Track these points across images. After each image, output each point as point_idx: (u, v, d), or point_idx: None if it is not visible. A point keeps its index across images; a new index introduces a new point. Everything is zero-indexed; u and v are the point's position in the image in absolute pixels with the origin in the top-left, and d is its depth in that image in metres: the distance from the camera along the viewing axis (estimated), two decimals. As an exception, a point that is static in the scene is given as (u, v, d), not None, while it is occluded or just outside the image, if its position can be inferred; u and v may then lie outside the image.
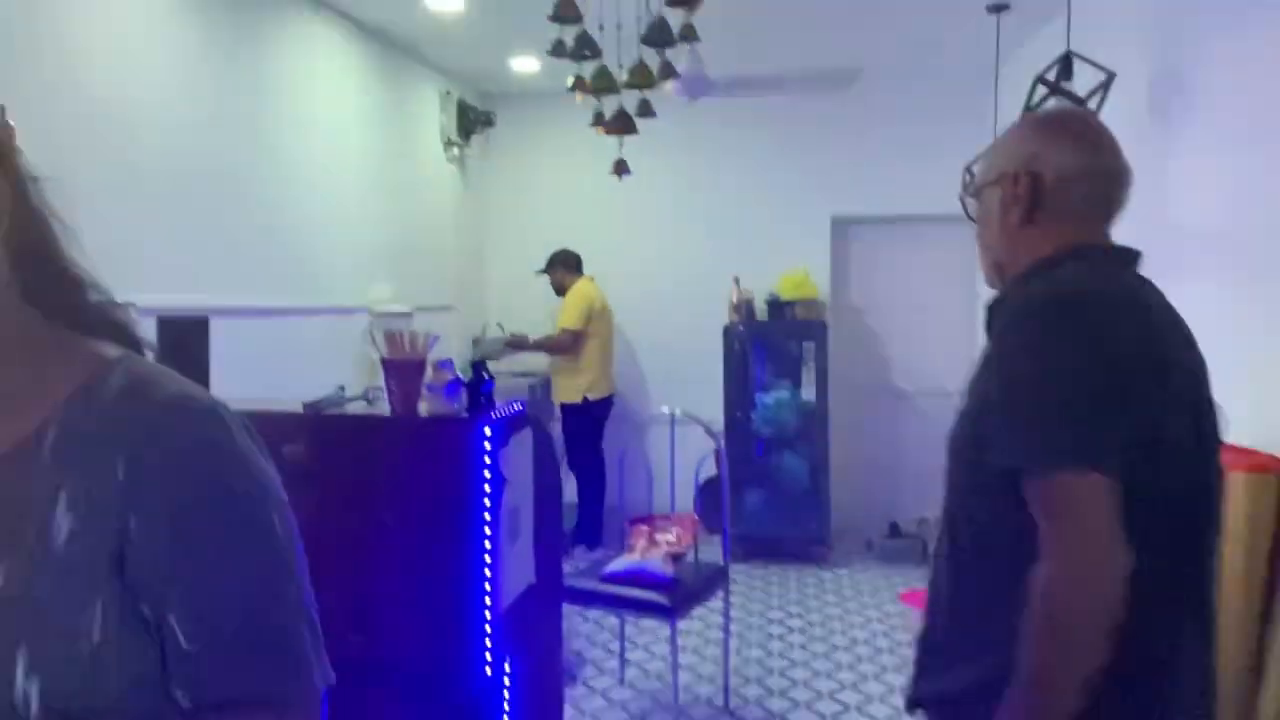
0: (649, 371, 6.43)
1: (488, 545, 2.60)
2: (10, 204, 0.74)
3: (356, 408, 2.82)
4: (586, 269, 5.95)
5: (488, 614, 2.62)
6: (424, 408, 2.67)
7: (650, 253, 6.34)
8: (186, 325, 2.92)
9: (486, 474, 2.60)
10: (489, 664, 2.64)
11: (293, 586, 0.80)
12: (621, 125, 3.90)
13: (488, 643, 2.64)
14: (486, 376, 2.75)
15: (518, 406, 2.83)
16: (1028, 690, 1.23)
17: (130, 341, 0.86)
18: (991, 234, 1.51)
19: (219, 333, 3.33)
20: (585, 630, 4.74)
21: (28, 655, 0.71)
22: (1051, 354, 1.24)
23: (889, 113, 6.07)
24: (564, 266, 5.89)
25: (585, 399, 5.77)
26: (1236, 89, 3.06)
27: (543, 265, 5.98)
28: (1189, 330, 1.37)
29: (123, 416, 0.77)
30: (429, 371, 2.71)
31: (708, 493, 4.67)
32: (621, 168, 4.34)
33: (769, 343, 6.15)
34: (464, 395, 2.70)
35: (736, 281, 5.97)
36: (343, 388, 2.85)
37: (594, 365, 5.79)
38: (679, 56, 3.60)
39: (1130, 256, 1.42)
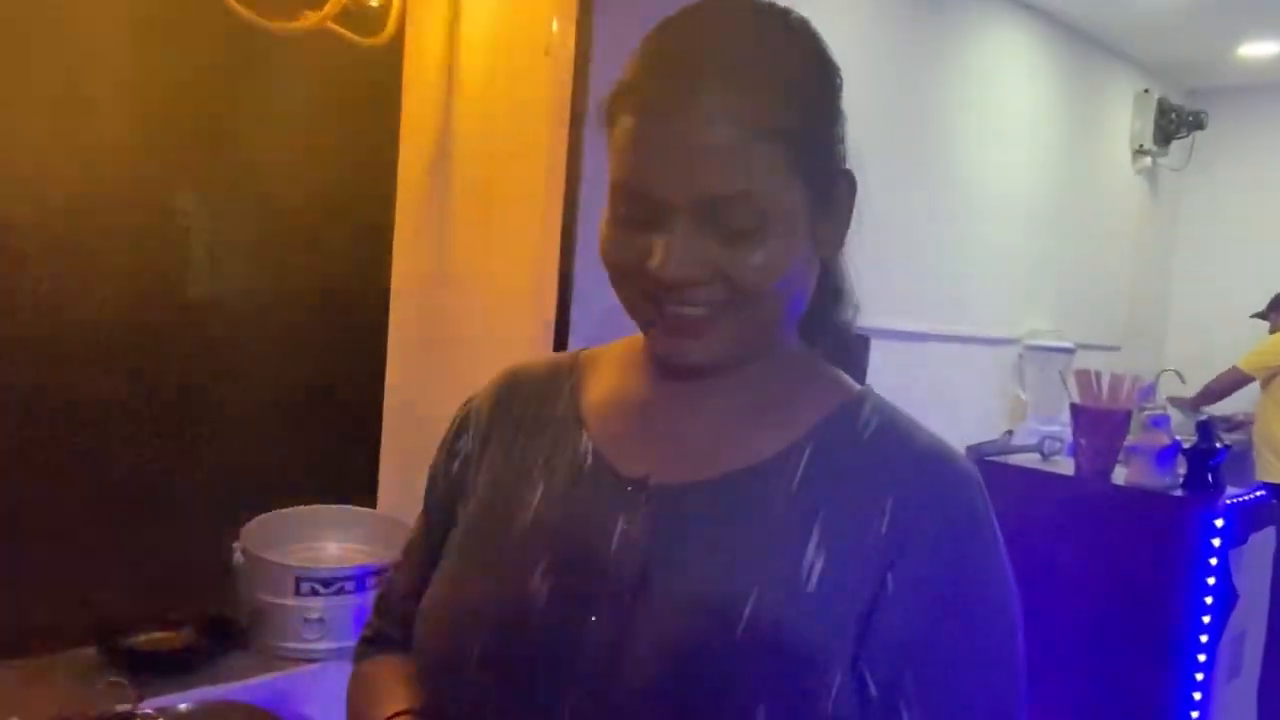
0: None
1: (1198, 678, 2.03)
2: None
3: (1027, 459, 2.43)
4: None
5: (1188, 770, 1.99)
6: (1123, 474, 2.21)
7: None
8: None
9: (1209, 580, 2.05)
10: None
11: (1021, 710, 0.77)
12: None
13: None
14: (1218, 445, 2.08)
15: (1260, 492, 2.13)
16: None
17: (857, 372, 0.89)
18: None
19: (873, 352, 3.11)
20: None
21: (766, 710, 0.68)
22: None
23: None
24: (1290, 311, 4.60)
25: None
26: None
27: (1263, 308, 4.73)
28: None
29: (883, 461, 0.76)
30: (1135, 428, 2.19)
31: None
32: None
33: None
34: (1181, 464, 2.15)
35: None
36: (1010, 433, 2.43)
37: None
38: None
39: None
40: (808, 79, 0.76)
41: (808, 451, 0.76)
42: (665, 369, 0.82)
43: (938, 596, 0.71)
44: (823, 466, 0.76)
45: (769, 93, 0.73)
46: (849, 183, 0.80)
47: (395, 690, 0.86)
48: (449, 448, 0.92)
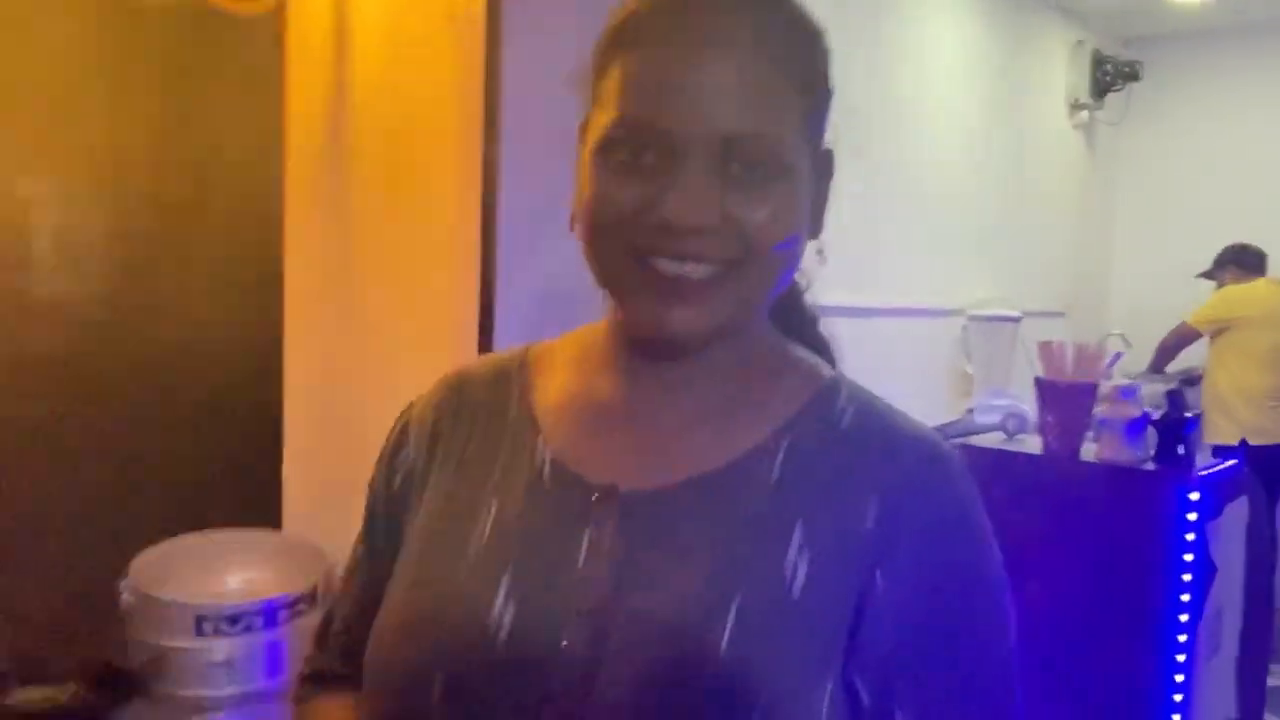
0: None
1: (1179, 659, 1.94)
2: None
3: (991, 439, 2.32)
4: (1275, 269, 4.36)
5: (1173, 755, 1.91)
6: (1092, 450, 2.10)
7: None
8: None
9: (1186, 556, 1.96)
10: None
11: (1018, 707, 0.76)
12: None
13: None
14: (1187, 414, 2.00)
15: (1232, 461, 2.05)
16: None
17: (828, 355, 0.85)
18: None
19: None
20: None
21: None
22: None
23: None
24: (1237, 267, 4.37)
25: (1244, 442, 4.18)
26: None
27: (1208, 266, 4.53)
28: None
29: (864, 453, 0.74)
30: (1103, 401, 2.09)
31: None
32: None
33: None
34: (1151, 437, 2.05)
35: None
36: (971, 410, 2.33)
37: (1243, 393, 4.29)
38: None
39: None
40: (821, 38, 0.75)
41: (784, 445, 0.74)
42: (637, 350, 0.78)
43: (930, 595, 0.69)
44: (801, 462, 0.73)
45: (796, 40, 0.72)
46: (831, 163, 0.78)
47: None
48: (388, 463, 0.88)
